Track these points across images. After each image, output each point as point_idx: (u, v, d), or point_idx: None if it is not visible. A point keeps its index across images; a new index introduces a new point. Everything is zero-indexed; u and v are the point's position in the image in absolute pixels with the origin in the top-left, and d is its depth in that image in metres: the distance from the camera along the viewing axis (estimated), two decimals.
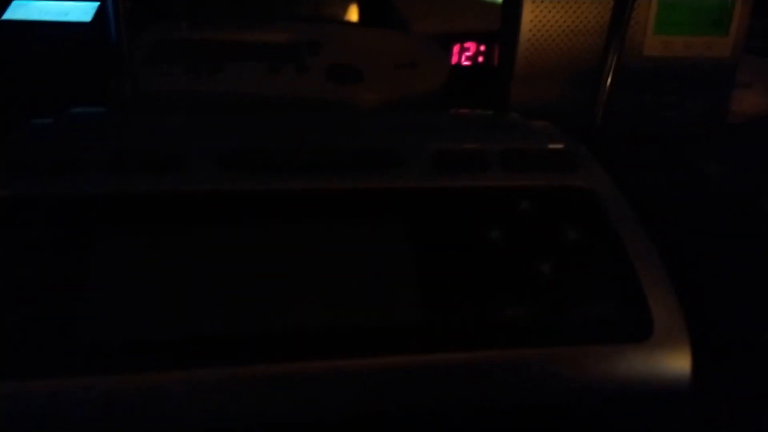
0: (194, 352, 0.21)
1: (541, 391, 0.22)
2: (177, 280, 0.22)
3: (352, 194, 0.25)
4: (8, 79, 0.52)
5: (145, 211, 0.24)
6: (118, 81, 0.37)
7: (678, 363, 0.22)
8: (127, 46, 0.36)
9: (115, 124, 0.29)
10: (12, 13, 0.56)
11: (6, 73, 0.52)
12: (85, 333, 0.21)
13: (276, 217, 0.24)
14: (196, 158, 0.25)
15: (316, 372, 0.21)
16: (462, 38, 0.64)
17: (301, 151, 0.26)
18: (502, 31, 0.54)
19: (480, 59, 0.66)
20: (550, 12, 0.51)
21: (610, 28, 0.39)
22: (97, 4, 0.57)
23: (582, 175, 0.27)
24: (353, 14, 0.66)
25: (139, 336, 0.21)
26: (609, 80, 0.40)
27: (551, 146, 0.28)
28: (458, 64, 0.65)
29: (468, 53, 0.67)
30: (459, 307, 0.23)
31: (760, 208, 0.32)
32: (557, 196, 0.26)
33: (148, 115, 0.31)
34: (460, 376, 0.22)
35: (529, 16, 0.51)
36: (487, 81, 0.62)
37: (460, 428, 0.22)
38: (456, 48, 0.66)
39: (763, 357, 0.25)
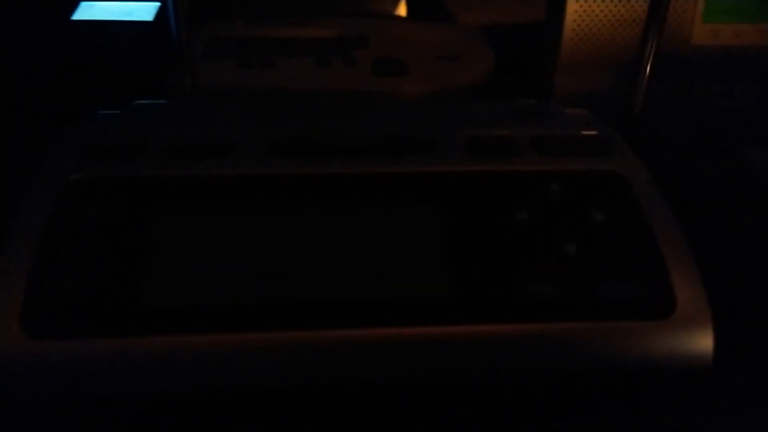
0: (245, 317, 0.23)
1: (566, 363, 0.23)
2: (229, 253, 0.24)
3: (391, 177, 0.27)
4: (77, 74, 0.55)
5: (201, 192, 0.26)
6: (177, 76, 0.40)
7: (700, 341, 0.23)
8: (187, 43, 0.38)
9: (174, 114, 0.31)
10: (81, 14, 0.59)
11: (75, 69, 0.55)
12: (142, 300, 0.23)
13: (321, 198, 0.26)
14: (248, 144, 0.28)
15: (356, 339, 0.23)
16: (510, 30, 0.65)
17: (343, 137, 0.28)
18: (546, 22, 0.54)
19: (527, 51, 0.66)
20: (593, 2, 0.51)
21: (648, 17, 0.40)
22: (158, 4, 0.60)
23: (613, 160, 0.28)
24: (402, 8, 0.66)
25: (193, 302, 0.23)
26: (648, 69, 0.40)
27: (584, 132, 0.29)
28: (505, 56, 0.66)
29: (516, 44, 0.67)
30: (490, 282, 0.24)
31: None
32: (586, 180, 0.27)
33: (204, 105, 0.33)
34: (491, 347, 0.23)
35: (573, 7, 0.52)
36: (532, 72, 0.62)
37: (485, 397, 0.24)
38: (503, 39, 0.66)
39: None
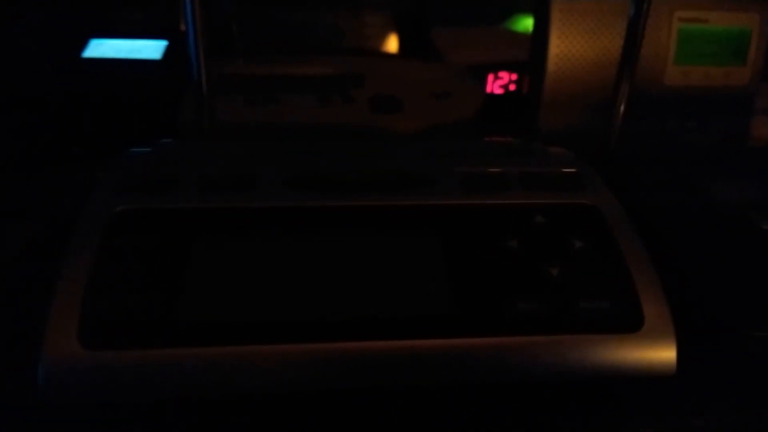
0: (269, 331, 0.26)
1: (546, 372, 0.26)
2: (252, 276, 0.27)
3: (396, 210, 0.30)
4: (87, 111, 0.57)
5: (228, 221, 0.29)
6: (194, 113, 0.43)
7: (665, 353, 0.26)
8: (206, 82, 0.41)
9: (200, 151, 0.35)
10: (91, 52, 0.61)
11: (85, 106, 0.57)
12: (181, 315, 0.26)
13: (335, 227, 0.29)
14: (268, 180, 0.31)
15: (367, 350, 0.26)
16: (495, 68, 0.68)
17: (352, 174, 0.32)
18: (531, 62, 0.58)
19: (512, 87, 0.69)
20: (574, 45, 0.54)
21: (621, 61, 0.43)
22: (166, 42, 0.61)
23: (588, 194, 0.31)
24: (394, 46, 0.70)
25: (222, 319, 0.26)
26: (622, 108, 0.43)
27: (564, 170, 0.33)
28: (491, 93, 0.69)
29: (501, 82, 0.70)
30: (482, 301, 0.27)
31: (755, 225, 0.36)
32: (566, 212, 0.30)
33: (226, 144, 0.37)
34: (484, 357, 0.26)
35: (555, 50, 0.55)
36: (518, 108, 0.64)
37: (480, 401, 0.27)
38: (490, 77, 0.69)
39: (743, 350, 0.29)
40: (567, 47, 0.55)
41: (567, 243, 0.29)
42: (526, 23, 0.67)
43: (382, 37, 0.70)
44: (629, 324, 0.27)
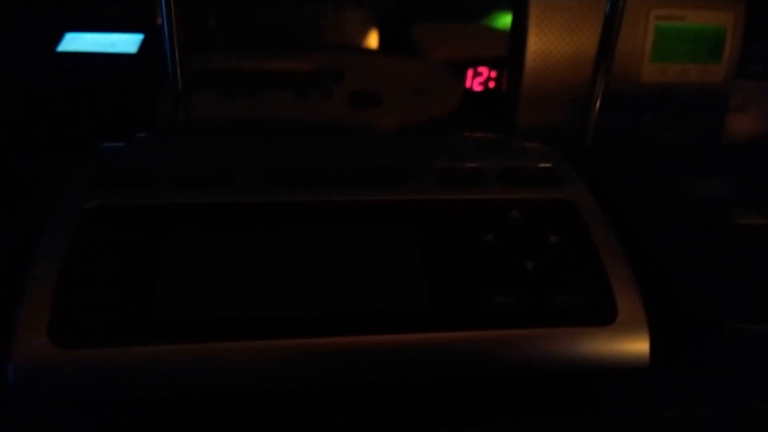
0: (244, 327, 0.26)
1: (520, 365, 0.26)
2: (230, 271, 0.27)
3: (374, 204, 0.30)
4: (62, 105, 0.56)
5: (203, 217, 0.29)
6: (170, 107, 0.42)
7: (638, 345, 0.27)
8: (181, 76, 0.40)
9: (175, 146, 0.34)
10: (66, 45, 0.60)
11: (61, 100, 0.56)
12: (153, 312, 0.26)
13: (311, 222, 0.29)
14: (243, 175, 0.31)
15: (344, 345, 0.26)
16: (475, 64, 0.68)
17: (329, 169, 0.31)
18: (509, 58, 0.58)
19: (491, 84, 0.70)
20: (552, 42, 0.54)
21: (597, 58, 0.43)
22: (141, 36, 0.61)
23: (564, 189, 0.31)
24: (374, 41, 0.69)
25: (193, 316, 0.26)
26: (597, 105, 0.44)
27: (541, 165, 0.33)
28: (471, 89, 0.69)
29: (480, 79, 0.70)
30: (458, 296, 0.27)
31: (729, 219, 0.36)
32: (542, 207, 0.30)
33: (200, 137, 0.36)
34: (462, 350, 0.26)
35: (533, 47, 0.55)
36: (498, 105, 0.65)
37: (452, 395, 0.27)
38: (469, 73, 0.70)
39: (718, 343, 0.29)
40: (545, 44, 0.55)
41: (543, 238, 0.29)
42: (507, 20, 0.67)
43: (363, 32, 0.69)
44: (603, 317, 0.27)
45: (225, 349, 0.25)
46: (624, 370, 0.27)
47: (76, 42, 0.60)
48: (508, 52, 0.58)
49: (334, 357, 0.26)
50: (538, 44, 0.55)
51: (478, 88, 0.69)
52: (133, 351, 0.25)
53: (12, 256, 0.30)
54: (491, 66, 0.68)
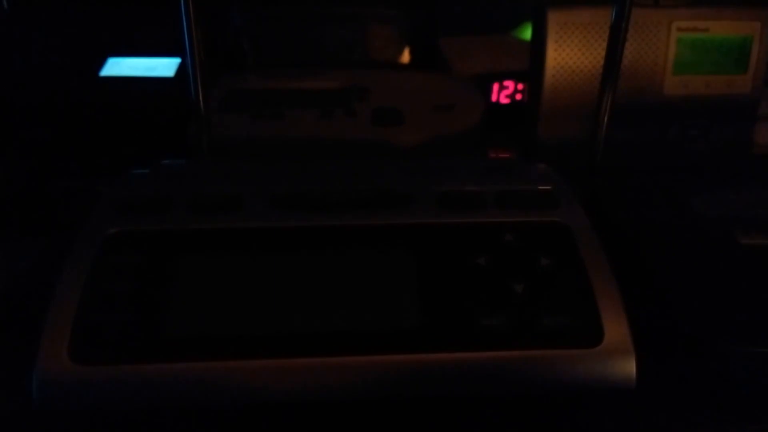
0: (255, 346, 0.27)
1: (508, 387, 0.27)
2: (234, 294, 0.29)
3: (374, 229, 0.31)
4: (102, 129, 0.59)
5: (216, 242, 0.31)
6: (196, 130, 0.44)
7: (624, 367, 0.27)
8: (205, 102, 0.43)
9: (194, 173, 0.36)
10: (108, 70, 0.63)
11: (101, 123, 0.60)
12: (166, 332, 0.28)
13: (316, 246, 0.31)
14: (255, 201, 0.33)
15: (339, 364, 0.27)
16: (502, 77, 0.68)
17: (334, 194, 0.33)
18: (530, 72, 0.58)
19: (518, 97, 0.70)
20: (571, 56, 0.54)
21: (603, 73, 0.43)
22: (179, 60, 0.63)
23: (560, 212, 0.32)
24: (405, 56, 0.70)
25: (203, 335, 0.28)
26: (605, 121, 0.43)
27: (540, 187, 0.34)
28: (497, 102, 0.69)
29: (507, 92, 0.71)
30: (449, 318, 0.28)
31: (733, 239, 0.36)
32: (536, 230, 0.31)
33: (220, 163, 0.38)
34: (454, 370, 0.27)
35: (552, 62, 0.55)
36: (524, 118, 0.65)
37: (441, 415, 0.28)
38: (495, 86, 0.70)
39: (710, 365, 0.29)
40: (564, 58, 0.55)
41: (534, 260, 0.30)
42: None
43: (392, 48, 0.70)
44: (589, 339, 0.28)
45: (233, 367, 0.27)
46: (611, 392, 0.27)
47: (118, 66, 0.63)
48: (529, 66, 0.59)
49: (334, 374, 0.27)
50: (557, 58, 0.55)
51: (504, 101, 0.69)
52: (147, 368, 0.27)
53: (40, 275, 0.33)
54: (518, 79, 0.68)
